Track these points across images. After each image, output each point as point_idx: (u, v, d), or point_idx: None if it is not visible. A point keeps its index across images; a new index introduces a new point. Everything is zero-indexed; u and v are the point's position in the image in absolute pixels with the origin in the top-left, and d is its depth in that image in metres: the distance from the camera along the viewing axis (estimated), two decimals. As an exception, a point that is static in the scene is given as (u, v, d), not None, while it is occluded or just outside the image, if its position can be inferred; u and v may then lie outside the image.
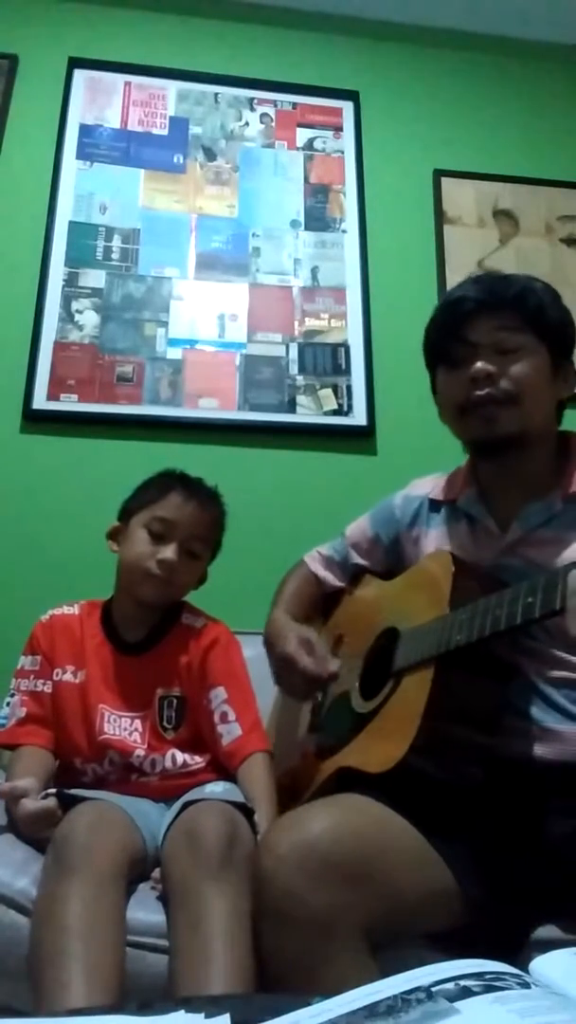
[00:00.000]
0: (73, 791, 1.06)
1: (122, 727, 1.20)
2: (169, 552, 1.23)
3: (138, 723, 1.21)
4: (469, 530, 1.11)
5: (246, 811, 1.03)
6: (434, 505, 1.19)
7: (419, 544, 1.18)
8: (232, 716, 1.21)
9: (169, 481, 1.31)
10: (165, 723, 1.22)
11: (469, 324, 1.04)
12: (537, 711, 0.96)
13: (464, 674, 0.91)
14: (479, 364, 1.02)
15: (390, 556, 1.26)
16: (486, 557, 1.06)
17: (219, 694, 1.23)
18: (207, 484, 1.34)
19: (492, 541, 1.07)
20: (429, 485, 1.23)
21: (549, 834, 0.90)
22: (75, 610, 1.31)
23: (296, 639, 1.13)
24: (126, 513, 1.31)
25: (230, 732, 1.20)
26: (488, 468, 1.12)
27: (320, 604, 1.33)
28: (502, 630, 0.82)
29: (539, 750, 0.94)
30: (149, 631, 1.29)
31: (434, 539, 1.16)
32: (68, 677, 1.24)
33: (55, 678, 1.24)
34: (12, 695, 1.25)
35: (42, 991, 0.79)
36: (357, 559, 1.29)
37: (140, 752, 1.18)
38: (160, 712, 1.22)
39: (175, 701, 1.24)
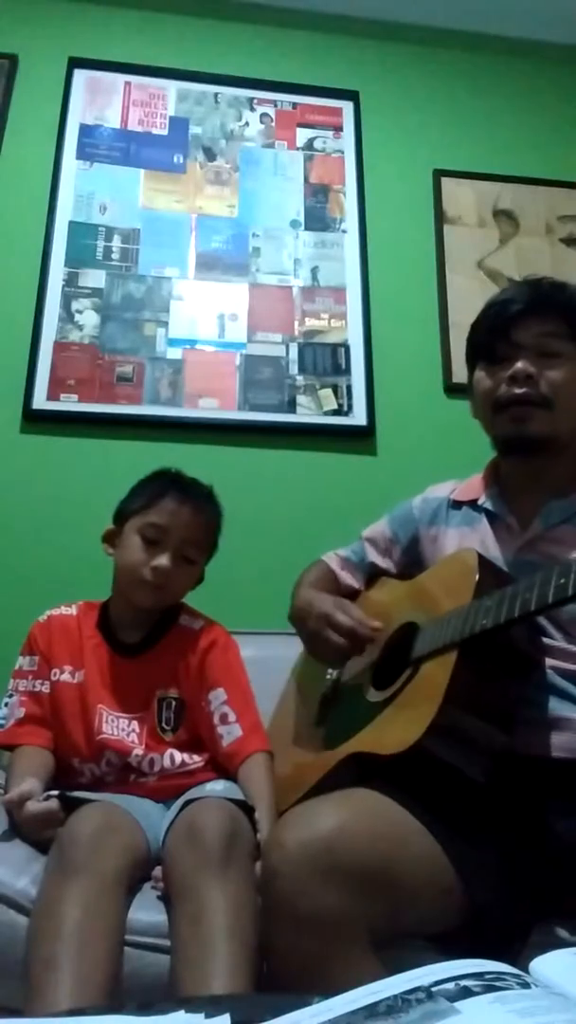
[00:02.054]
0: (75, 793, 1.06)
1: (120, 728, 1.20)
2: (163, 560, 1.22)
3: (136, 724, 1.21)
4: (489, 528, 1.12)
5: (246, 809, 1.03)
6: (454, 505, 1.21)
7: (438, 543, 1.19)
8: (232, 717, 1.21)
9: (163, 485, 1.29)
10: (164, 725, 1.22)
11: (515, 325, 1.07)
12: (553, 702, 0.96)
13: (486, 664, 0.91)
14: (520, 364, 1.05)
15: (408, 556, 1.27)
16: (505, 553, 1.07)
17: (218, 695, 1.23)
18: (203, 485, 1.33)
19: (512, 538, 1.08)
20: (448, 488, 1.25)
21: (555, 833, 0.90)
22: (72, 611, 1.31)
23: (331, 601, 1.15)
24: (120, 516, 1.30)
25: (230, 733, 1.20)
26: (513, 468, 1.14)
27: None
28: (532, 611, 0.82)
29: (552, 740, 0.94)
30: (147, 633, 1.28)
31: (453, 537, 1.16)
32: (66, 677, 1.24)
33: (53, 678, 1.24)
34: (10, 695, 1.25)
35: (32, 993, 0.79)
36: (374, 558, 1.30)
37: (138, 752, 1.18)
38: (158, 714, 1.22)
39: (173, 703, 1.23)
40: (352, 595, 1.32)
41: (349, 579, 1.32)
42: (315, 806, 0.86)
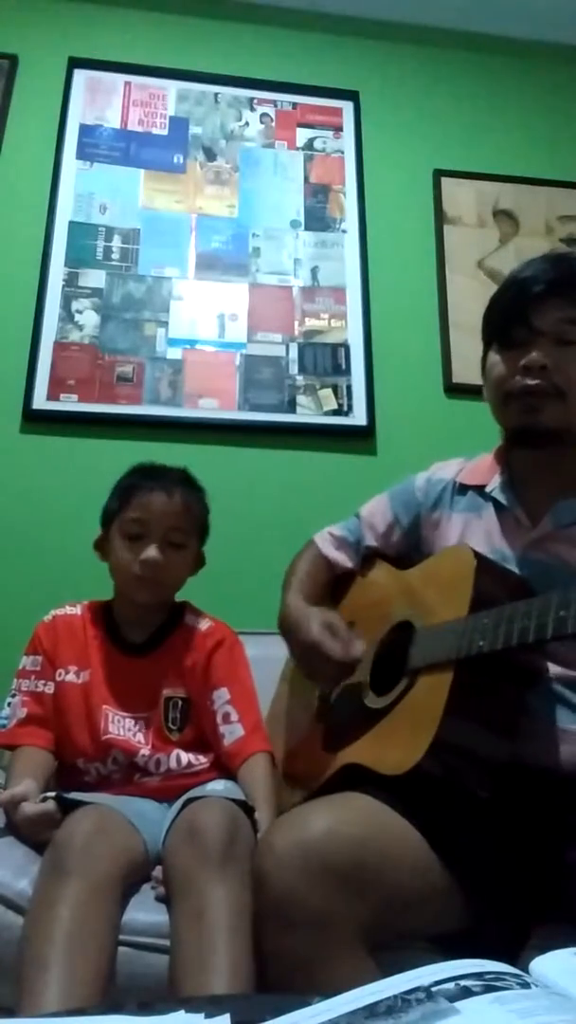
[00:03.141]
0: (72, 795, 1.06)
1: (126, 728, 1.20)
2: (151, 551, 1.21)
3: (142, 724, 1.21)
4: (496, 518, 1.08)
5: (247, 809, 1.03)
6: (460, 489, 1.16)
7: (440, 528, 1.15)
8: (235, 717, 1.21)
9: (133, 479, 1.29)
10: (170, 724, 1.22)
11: (534, 309, 1.00)
12: (559, 712, 0.94)
13: (484, 679, 0.89)
14: (535, 354, 0.99)
15: (408, 539, 1.22)
16: (512, 548, 1.03)
17: (222, 695, 1.23)
18: (174, 469, 1.31)
19: (520, 533, 1.04)
20: (454, 468, 1.20)
21: (563, 852, 0.88)
22: (77, 610, 1.31)
23: (319, 623, 1.10)
24: (105, 521, 1.30)
25: (232, 732, 1.20)
26: (523, 458, 1.09)
27: (331, 588, 1.30)
28: (530, 642, 0.79)
29: (560, 753, 0.92)
30: (152, 633, 1.28)
31: (457, 524, 1.12)
32: (71, 677, 1.24)
33: (58, 678, 1.24)
34: (13, 695, 1.25)
35: (23, 993, 0.79)
36: (372, 541, 1.25)
37: (144, 752, 1.18)
38: (165, 713, 1.22)
39: (180, 702, 1.24)
40: (347, 576, 1.29)
41: (344, 561, 1.28)
42: (306, 810, 0.86)
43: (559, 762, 0.92)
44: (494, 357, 1.06)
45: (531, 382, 0.99)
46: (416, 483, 1.23)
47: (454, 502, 1.15)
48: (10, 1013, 0.87)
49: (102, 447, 1.90)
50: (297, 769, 1.16)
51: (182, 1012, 0.45)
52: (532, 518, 1.04)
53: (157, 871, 1.00)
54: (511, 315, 1.03)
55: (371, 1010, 0.41)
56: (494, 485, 1.10)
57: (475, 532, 1.08)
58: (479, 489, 1.12)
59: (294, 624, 1.15)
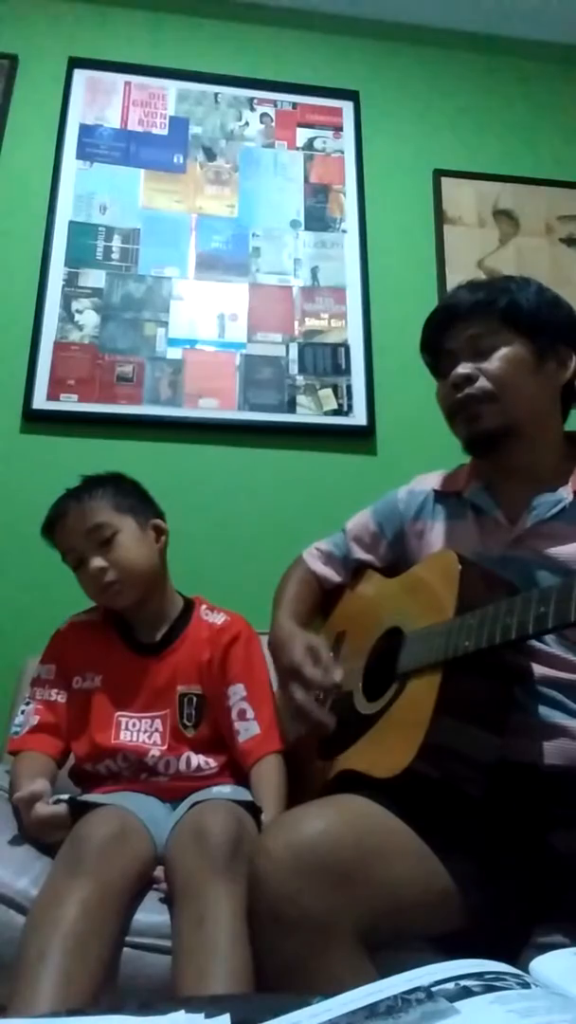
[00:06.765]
0: (84, 797, 1.06)
1: (140, 730, 1.20)
2: (89, 567, 1.22)
3: (158, 723, 1.21)
4: (476, 522, 1.11)
5: (253, 810, 1.03)
6: (440, 498, 1.20)
7: (424, 537, 1.18)
8: (250, 714, 1.21)
9: (44, 533, 1.30)
10: (185, 721, 1.22)
11: (444, 334, 1.12)
12: (544, 710, 0.96)
13: (472, 679, 0.90)
14: (458, 369, 1.08)
15: (394, 550, 1.26)
16: (493, 548, 1.06)
17: (238, 691, 1.23)
18: (63, 495, 1.30)
19: (500, 533, 1.07)
20: (434, 479, 1.25)
21: (554, 845, 0.89)
22: (94, 615, 1.32)
23: (302, 647, 1.12)
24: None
25: (248, 730, 1.20)
26: (488, 465, 1.14)
27: (321, 603, 1.32)
28: (512, 639, 0.81)
29: (545, 748, 0.93)
30: (167, 631, 1.29)
31: (440, 532, 1.16)
32: (87, 684, 1.24)
33: (75, 686, 1.25)
34: (28, 703, 1.26)
35: (15, 987, 0.79)
36: (359, 554, 1.29)
37: (154, 753, 1.18)
38: (180, 710, 1.22)
39: (195, 699, 1.24)
40: (337, 590, 1.31)
41: (332, 575, 1.31)
42: (301, 811, 0.86)
43: (544, 754, 0.94)
44: (437, 388, 1.16)
45: (461, 395, 1.08)
46: (398, 496, 1.28)
47: (435, 511, 1.19)
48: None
49: (102, 447, 1.90)
50: (297, 776, 1.16)
51: (182, 1012, 0.45)
52: (510, 518, 1.08)
53: (159, 872, 1.00)
54: (430, 348, 1.17)
55: (371, 1010, 0.41)
56: (471, 490, 1.14)
57: (457, 538, 1.12)
58: (457, 496, 1.17)
59: (280, 645, 1.17)
